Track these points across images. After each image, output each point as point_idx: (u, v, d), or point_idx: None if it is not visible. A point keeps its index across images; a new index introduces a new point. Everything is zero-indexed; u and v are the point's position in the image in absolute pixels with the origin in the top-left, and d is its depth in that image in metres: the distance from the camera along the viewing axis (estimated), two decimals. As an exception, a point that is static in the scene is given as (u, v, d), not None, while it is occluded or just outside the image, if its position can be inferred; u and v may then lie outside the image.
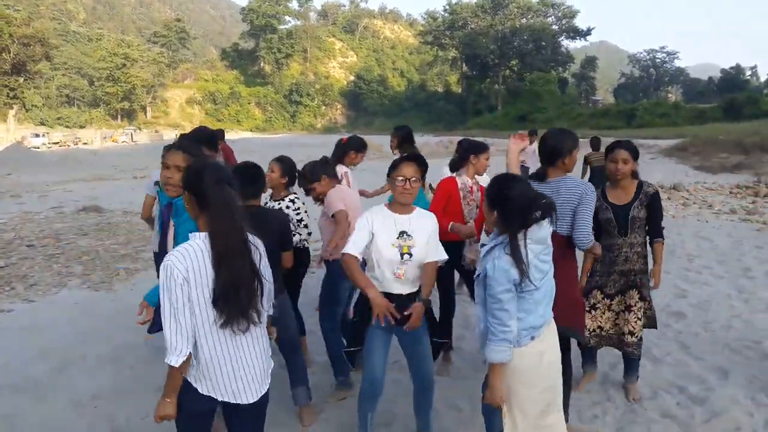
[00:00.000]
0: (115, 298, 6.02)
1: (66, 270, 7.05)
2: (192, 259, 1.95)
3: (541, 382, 2.45)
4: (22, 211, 11.77)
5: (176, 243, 2.53)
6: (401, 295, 2.86)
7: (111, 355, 4.39)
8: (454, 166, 4.28)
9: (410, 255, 2.84)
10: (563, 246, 2.97)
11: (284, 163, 3.90)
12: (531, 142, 12.60)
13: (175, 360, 1.92)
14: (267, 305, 2.21)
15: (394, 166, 2.89)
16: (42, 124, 69.70)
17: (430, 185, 5.32)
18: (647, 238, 3.54)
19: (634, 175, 3.45)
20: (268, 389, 2.22)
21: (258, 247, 2.15)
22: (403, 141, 4.93)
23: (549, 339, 2.50)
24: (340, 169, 4.40)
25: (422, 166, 2.95)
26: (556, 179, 2.99)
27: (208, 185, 2.01)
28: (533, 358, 2.41)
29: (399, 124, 5.47)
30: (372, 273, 2.88)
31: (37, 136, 52.20)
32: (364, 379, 2.92)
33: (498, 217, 2.38)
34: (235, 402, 2.11)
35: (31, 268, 7.11)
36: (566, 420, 3.18)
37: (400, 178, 2.82)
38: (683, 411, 3.47)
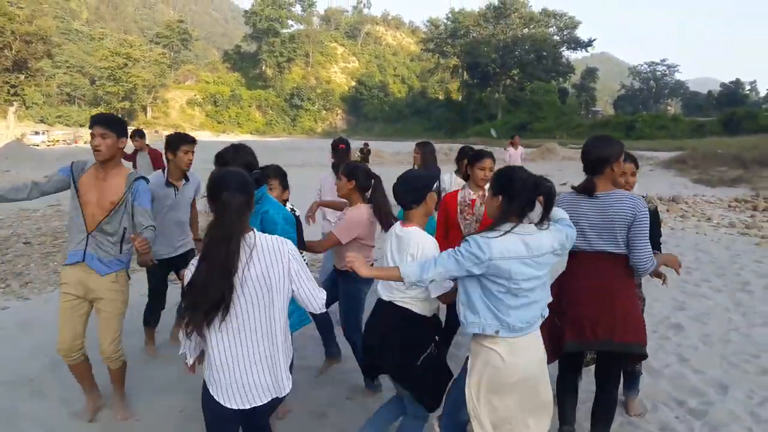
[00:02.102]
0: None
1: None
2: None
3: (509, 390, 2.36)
4: (19, 208, 11.70)
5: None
6: None
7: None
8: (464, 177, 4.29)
9: None
10: (620, 266, 2.80)
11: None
12: (515, 147, 12.96)
13: None
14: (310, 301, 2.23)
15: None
16: (42, 121, 69.58)
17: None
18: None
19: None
20: (271, 399, 2.14)
21: (262, 256, 2.08)
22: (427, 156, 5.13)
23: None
24: None
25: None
26: (606, 193, 2.79)
27: (218, 193, 2.04)
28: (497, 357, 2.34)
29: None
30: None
31: (36, 133, 52.03)
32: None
33: (502, 201, 2.37)
34: (238, 408, 2.09)
35: (27, 266, 7.07)
36: None
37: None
38: (682, 425, 3.45)
